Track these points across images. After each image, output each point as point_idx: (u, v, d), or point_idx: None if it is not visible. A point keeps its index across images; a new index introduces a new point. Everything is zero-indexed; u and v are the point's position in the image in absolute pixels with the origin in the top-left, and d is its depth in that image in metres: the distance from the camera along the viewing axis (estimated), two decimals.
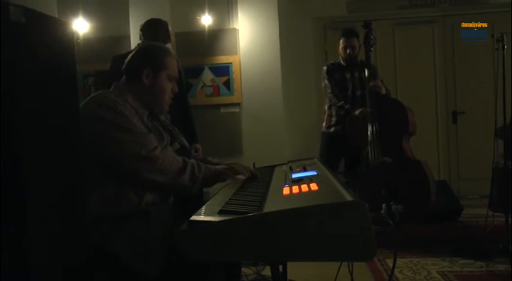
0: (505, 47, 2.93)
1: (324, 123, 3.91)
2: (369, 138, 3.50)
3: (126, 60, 1.77)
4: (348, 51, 3.75)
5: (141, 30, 3.09)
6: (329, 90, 3.78)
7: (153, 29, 3.01)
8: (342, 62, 3.84)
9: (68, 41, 1.15)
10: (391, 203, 3.26)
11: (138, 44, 3.07)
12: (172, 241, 1.09)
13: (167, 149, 1.65)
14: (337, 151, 3.82)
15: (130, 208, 1.51)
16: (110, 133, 1.52)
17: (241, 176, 1.72)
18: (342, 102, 3.70)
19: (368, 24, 3.68)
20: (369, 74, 3.62)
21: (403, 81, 5.05)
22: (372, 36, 3.63)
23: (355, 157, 3.69)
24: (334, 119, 3.80)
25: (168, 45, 3.00)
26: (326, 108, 3.91)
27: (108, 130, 1.52)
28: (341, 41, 3.79)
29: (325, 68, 3.88)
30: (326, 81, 3.80)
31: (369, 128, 3.50)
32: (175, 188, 1.59)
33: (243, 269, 2.54)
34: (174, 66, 1.79)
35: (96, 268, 1.28)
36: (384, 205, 3.26)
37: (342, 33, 3.81)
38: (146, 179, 1.52)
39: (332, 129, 3.82)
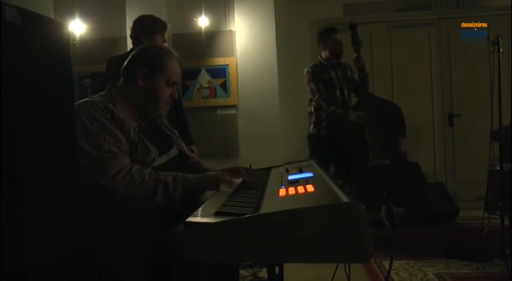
0: (501, 49, 2.94)
1: (312, 126, 3.77)
2: (367, 142, 3.49)
3: (126, 60, 1.68)
4: (338, 46, 3.71)
5: (133, 24, 2.97)
6: (317, 95, 3.65)
7: (147, 22, 2.92)
8: (323, 62, 3.77)
9: (64, 42, 1.14)
10: (391, 205, 3.26)
11: (132, 45, 3.04)
12: (167, 242, 1.08)
13: (147, 166, 1.52)
14: (327, 154, 3.63)
15: (115, 220, 1.45)
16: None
17: (236, 180, 1.62)
18: (333, 107, 3.60)
19: (354, 25, 3.66)
20: (363, 75, 3.63)
21: (399, 83, 5.07)
22: (358, 37, 3.62)
23: (346, 159, 3.61)
24: (324, 121, 3.69)
25: (165, 44, 2.96)
26: (312, 110, 3.76)
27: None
28: (329, 39, 3.73)
29: (308, 70, 3.73)
30: (312, 85, 3.68)
31: (366, 131, 3.50)
32: (152, 209, 1.47)
33: (240, 271, 2.53)
34: (175, 70, 1.65)
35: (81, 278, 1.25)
36: (383, 207, 3.26)
37: (327, 31, 3.76)
38: (117, 205, 1.43)
39: (323, 132, 3.70)
